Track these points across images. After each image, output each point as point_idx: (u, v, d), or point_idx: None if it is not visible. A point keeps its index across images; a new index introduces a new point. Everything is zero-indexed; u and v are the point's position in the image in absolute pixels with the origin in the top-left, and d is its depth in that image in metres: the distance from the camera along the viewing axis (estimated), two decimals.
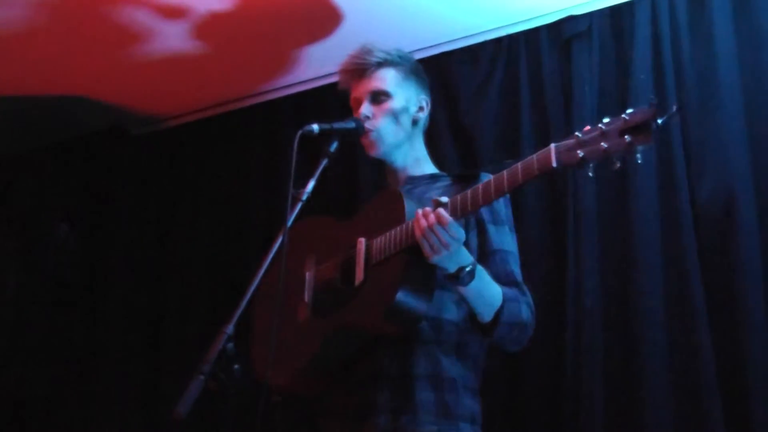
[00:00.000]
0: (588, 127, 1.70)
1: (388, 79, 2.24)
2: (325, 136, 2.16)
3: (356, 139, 2.25)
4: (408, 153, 2.26)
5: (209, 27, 3.17)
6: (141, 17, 3.09)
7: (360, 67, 2.25)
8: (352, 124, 2.22)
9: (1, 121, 3.87)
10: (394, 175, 2.27)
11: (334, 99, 3.25)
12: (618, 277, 2.77)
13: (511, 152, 3.05)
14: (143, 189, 3.93)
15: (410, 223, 1.92)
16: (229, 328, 1.80)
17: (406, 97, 2.25)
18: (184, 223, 3.79)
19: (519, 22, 3.15)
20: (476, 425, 2.06)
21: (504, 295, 1.98)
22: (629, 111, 1.65)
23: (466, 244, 1.95)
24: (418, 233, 1.87)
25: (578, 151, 1.69)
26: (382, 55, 2.25)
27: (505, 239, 2.12)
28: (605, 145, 1.65)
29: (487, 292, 1.97)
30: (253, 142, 3.70)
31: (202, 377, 1.71)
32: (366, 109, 2.22)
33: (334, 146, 2.17)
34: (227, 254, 3.61)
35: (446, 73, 3.26)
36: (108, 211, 3.96)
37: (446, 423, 1.99)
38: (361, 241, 2.03)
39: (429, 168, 2.30)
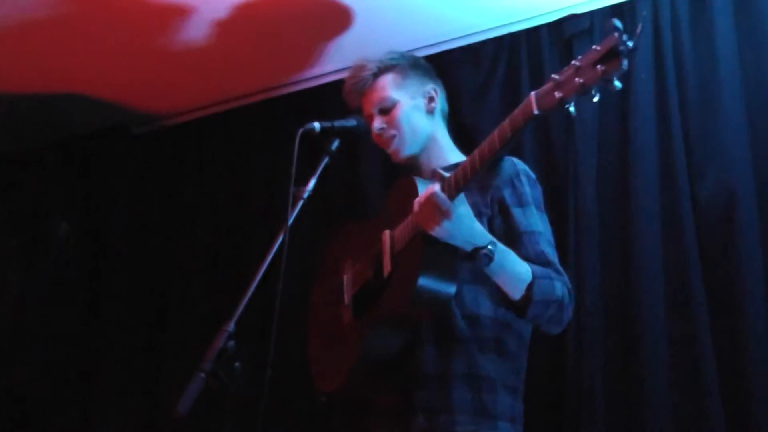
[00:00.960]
0: (564, 69, 1.70)
1: (387, 86, 2.24)
2: (326, 134, 2.16)
3: (357, 137, 2.25)
4: (432, 146, 2.25)
5: (211, 25, 3.17)
6: (142, 15, 3.09)
7: (358, 84, 2.27)
8: (353, 122, 2.23)
9: (1, 119, 3.87)
10: (418, 171, 2.25)
11: (336, 97, 3.26)
12: (619, 277, 2.76)
13: (513, 152, 3.05)
14: (144, 187, 3.92)
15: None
16: (230, 326, 1.81)
17: (411, 95, 2.25)
18: (185, 221, 3.79)
19: (520, 21, 3.15)
20: (517, 424, 2.05)
21: (533, 272, 1.95)
22: (596, 45, 1.64)
23: (491, 229, 1.96)
24: (416, 207, 1.87)
25: (555, 93, 1.68)
26: (374, 65, 2.26)
27: (533, 220, 2.08)
28: (581, 80, 1.63)
29: (513, 270, 1.94)
30: (255, 141, 3.70)
31: (202, 375, 1.71)
32: (378, 123, 2.22)
33: (335, 144, 2.18)
34: (228, 252, 3.60)
35: (447, 72, 3.23)
36: (109, 210, 3.96)
37: (484, 422, 1.98)
38: (386, 233, 2.04)
39: (454, 156, 2.27)
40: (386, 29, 3.10)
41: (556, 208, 2.91)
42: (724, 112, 2.71)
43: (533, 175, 2.19)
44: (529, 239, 2.04)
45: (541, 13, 3.10)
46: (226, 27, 3.19)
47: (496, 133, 1.82)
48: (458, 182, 1.85)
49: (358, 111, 2.32)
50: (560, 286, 1.98)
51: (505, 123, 1.80)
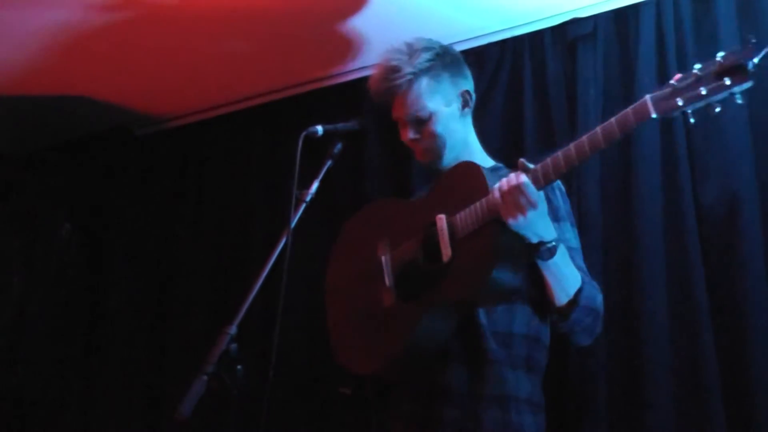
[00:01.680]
0: (679, 75, 1.69)
1: (422, 94, 2.17)
2: (329, 137, 2.16)
3: (360, 140, 2.25)
4: (462, 150, 2.24)
5: (213, 27, 3.17)
6: (145, 18, 3.09)
7: (391, 89, 2.19)
8: (355, 126, 2.22)
9: (5, 121, 3.87)
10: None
11: (339, 100, 3.26)
12: (621, 279, 2.76)
13: (515, 154, 3.04)
14: (147, 189, 3.93)
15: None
16: (232, 329, 1.81)
17: (446, 101, 2.21)
18: (187, 223, 3.79)
19: (523, 24, 3.14)
20: None
21: (582, 279, 1.98)
22: (721, 54, 1.64)
23: None
24: (496, 194, 1.86)
25: (677, 99, 1.67)
26: (409, 69, 2.17)
27: (569, 235, 2.10)
28: (704, 90, 1.63)
29: (567, 271, 1.96)
30: (257, 143, 3.70)
31: (205, 378, 1.71)
32: (412, 134, 2.20)
33: (338, 147, 2.17)
34: (231, 255, 3.61)
35: None
36: (111, 211, 3.96)
37: None
38: (442, 218, 2.00)
39: (485, 161, 2.26)
40: (390, 32, 3.08)
41: None
42: (727, 115, 2.70)
43: (563, 188, 2.21)
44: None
45: (544, 17, 3.09)
46: (229, 30, 3.19)
47: (600, 130, 1.80)
48: (549, 174, 1.85)
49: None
50: (600, 299, 2.03)
51: (613, 121, 1.78)
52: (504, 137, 3.10)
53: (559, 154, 1.84)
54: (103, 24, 3.13)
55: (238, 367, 1.77)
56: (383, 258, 2.14)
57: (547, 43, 3.09)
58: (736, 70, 1.60)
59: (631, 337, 2.69)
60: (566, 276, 1.96)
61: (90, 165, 4.05)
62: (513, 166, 1.94)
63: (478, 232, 1.92)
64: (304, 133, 2.08)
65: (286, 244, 1.97)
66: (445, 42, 3.23)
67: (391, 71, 2.18)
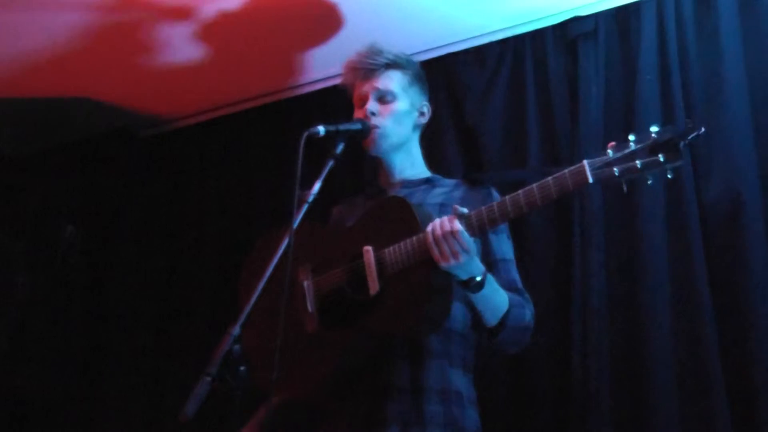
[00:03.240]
0: (613, 143, 1.80)
1: (395, 80, 2.29)
2: (330, 137, 2.16)
3: (362, 140, 2.26)
4: (405, 155, 2.32)
5: (215, 29, 3.17)
6: (147, 19, 3.09)
7: (368, 67, 2.30)
8: (357, 126, 2.23)
9: (8, 122, 3.88)
10: (388, 176, 2.32)
11: (340, 101, 3.26)
12: (624, 278, 2.76)
13: (518, 153, 3.05)
14: (149, 190, 3.93)
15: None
16: (235, 330, 1.81)
17: (411, 102, 2.31)
18: (190, 224, 3.80)
19: (525, 23, 3.15)
20: None
21: (510, 300, 2.08)
22: (655, 128, 1.75)
23: None
24: (429, 239, 1.92)
25: (613, 168, 1.78)
26: (391, 56, 2.31)
27: (505, 247, 2.22)
28: (639, 164, 1.75)
29: (495, 299, 2.06)
30: (260, 144, 3.70)
31: (208, 378, 1.71)
32: (372, 105, 2.26)
33: (339, 148, 2.18)
34: (233, 256, 3.60)
35: (452, 73, 3.25)
36: (114, 213, 3.97)
37: None
38: (369, 251, 2.03)
39: (423, 171, 2.35)
40: (391, 31, 3.10)
41: (560, 207, 2.92)
42: (729, 112, 2.70)
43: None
44: (503, 267, 2.18)
45: (545, 15, 3.10)
46: (232, 31, 3.19)
47: (536, 188, 1.87)
48: (483, 224, 1.92)
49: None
50: (528, 313, 2.12)
51: (550, 182, 1.85)
52: (506, 136, 3.11)
53: (494, 205, 1.92)
54: (106, 25, 3.14)
55: (241, 368, 1.77)
56: (305, 283, 2.16)
57: (548, 41, 3.09)
58: (670, 148, 1.73)
59: (634, 336, 2.69)
60: (495, 303, 2.06)
61: (93, 166, 4.05)
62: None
63: (410, 271, 1.98)
64: (306, 134, 2.08)
65: (288, 245, 1.97)
66: (447, 41, 3.27)
67: (373, 52, 2.31)
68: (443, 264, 1.91)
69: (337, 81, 3.38)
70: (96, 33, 3.19)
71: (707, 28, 2.81)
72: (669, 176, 1.75)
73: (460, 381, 2.11)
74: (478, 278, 1.97)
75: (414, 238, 1.97)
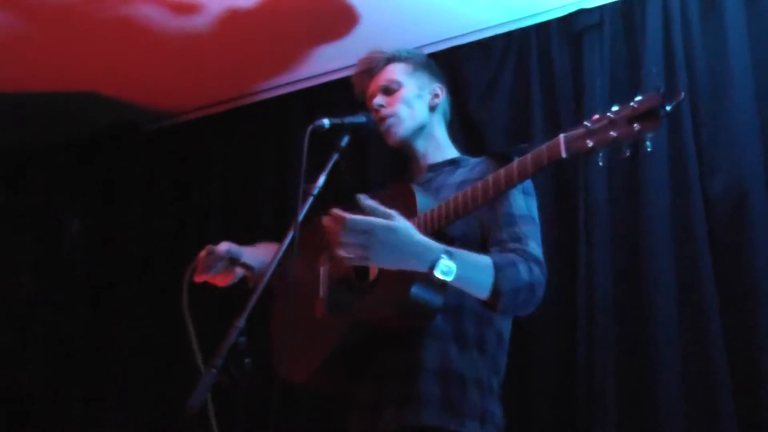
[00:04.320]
0: (596, 116, 1.72)
1: (397, 71, 2.28)
2: (335, 130, 2.16)
3: (367, 133, 2.25)
4: (428, 139, 2.27)
5: (221, 23, 3.18)
6: (152, 12, 3.09)
7: (369, 66, 2.31)
8: (362, 119, 2.23)
9: (13, 117, 3.89)
10: (416, 162, 2.27)
11: (345, 94, 3.25)
12: (630, 273, 2.75)
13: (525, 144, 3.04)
14: (154, 185, 3.94)
15: (422, 218, 1.93)
16: (241, 322, 1.81)
17: (418, 85, 2.28)
18: (195, 218, 3.80)
19: (530, 16, 3.14)
20: (488, 424, 1.97)
21: (495, 265, 1.88)
22: (638, 98, 1.67)
23: (449, 237, 1.91)
24: (329, 242, 1.80)
25: (588, 141, 1.70)
26: (389, 53, 2.31)
27: (514, 201, 2.02)
28: (614, 134, 1.67)
29: (474, 274, 1.87)
30: (265, 138, 3.70)
31: (214, 371, 1.71)
32: (379, 99, 2.25)
33: (344, 141, 2.18)
34: None
35: (457, 67, 3.25)
36: (119, 207, 3.97)
37: (449, 419, 1.93)
38: None
39: (449, 153, 2.28)
40: (396, 25, 3.10)
41: (566, 202, 2.91)
42: (735, 107, 2.69)
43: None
44: (504, 220, 1.99)
45: (550, 8, 3.10)
46: (236, 25, 3.20)
47: (515, 166, 1.82)
48: (479, 197, 1.87)
49: (361, 95, 2.34)
50: (524, 269, 1.89)
51: (528, 159, 1.80)
52: (511, 130, 3.10)
53: (468, 191, 1.87)
54: (111, 20, 3.14)
55: (247, 360, 1.77)
56: (322, 269, 2.17)
57: (553, 34, 3.09)
58: (649, 116, 1.63)
59: (639, 332, 2.69)
60: (476, 279, 1.86)
61: (97, 161, 4.06)
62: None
63: None
64: (311, 127, 2.08)
65: (293, 238, 1.97)
66: (451, 34, 3.26)
67: (373, 53, 2.32)
68: (357, 262, 1.77)
69: (342, 75, 3.41)
70: (100, 27, 3.20)
71: (713, 21, 2.80)
72: (648, 149, 1.64)
73: (467, 362, 1.98)
74: (439, 263, 1.77)
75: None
